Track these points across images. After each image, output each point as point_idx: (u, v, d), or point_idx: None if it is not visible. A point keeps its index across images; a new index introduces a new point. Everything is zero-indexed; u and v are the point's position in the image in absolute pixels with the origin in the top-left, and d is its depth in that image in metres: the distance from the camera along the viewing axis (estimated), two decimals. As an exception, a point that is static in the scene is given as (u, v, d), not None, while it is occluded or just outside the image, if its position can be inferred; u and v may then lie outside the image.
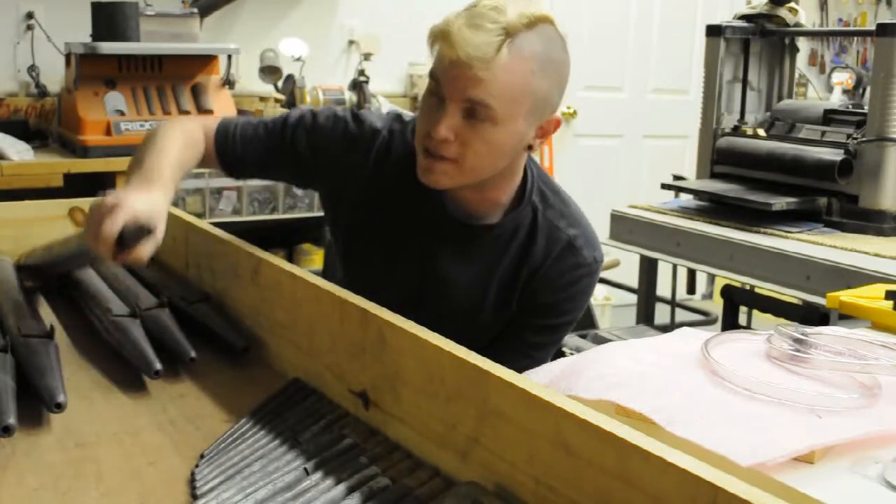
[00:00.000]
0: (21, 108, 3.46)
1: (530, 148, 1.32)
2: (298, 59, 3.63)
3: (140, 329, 1.23)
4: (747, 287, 2.59)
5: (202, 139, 1.40)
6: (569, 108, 4.76)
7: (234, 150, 1.41)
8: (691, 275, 3.01)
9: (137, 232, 1.13)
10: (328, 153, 1.41)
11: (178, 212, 1.64)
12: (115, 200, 1.14)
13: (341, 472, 0.88)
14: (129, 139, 3.10)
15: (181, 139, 1.34)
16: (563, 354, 1.70)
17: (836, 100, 3.59)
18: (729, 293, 2.48)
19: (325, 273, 1.66)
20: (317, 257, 3.50)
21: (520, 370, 1.40)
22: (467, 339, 1.48)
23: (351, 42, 4.06)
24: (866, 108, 2.57)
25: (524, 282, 1.43)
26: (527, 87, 1.23)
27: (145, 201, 1.16)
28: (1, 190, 2.78)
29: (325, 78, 3.86)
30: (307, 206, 3.38)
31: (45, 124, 3.45)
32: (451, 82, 1.23)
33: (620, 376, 1.06)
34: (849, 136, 2.55)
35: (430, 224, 1.40)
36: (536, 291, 1.43)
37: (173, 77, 3.26)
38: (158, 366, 1.14)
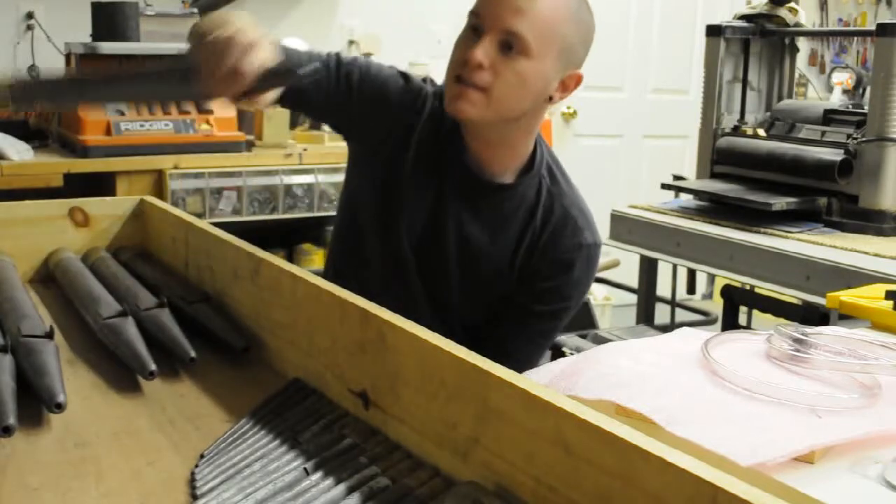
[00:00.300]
0: (21, 108, 3.46)
1: (550, 100, 1.39)
2: (298, 59, 3.63)
3: (134, 328, 1.22)
4: (747, 287, 2.59)
5: None
6: (569, 107, 4.77)
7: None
8: (691, 275, 3.01)
9: (282, 74, 1.04)
10: (376, 97, 1.44)
11: (178, 212, 1.64)
12: (251, 38, 1.10)
13: (341, 472, 0.88)
14: (130, 139, 3.10)
15: None
16: (563, 354, 1.70)
17: (836, 100, 3.59)
18: (729, 293, 2.48)
19: (326, 273, 1.66)
20: (317, 257, 3.50)
21: (528, 356, 1.42)
22: (467, 313, 1.52)
23: (351, 42, 4.06)
24: (866, 108, 2.57)
25: (525, 254, 1.46)
26: (559, 29, 1.32)
27: (273, 47, 1.14)
28: (1, 190, 2.78)
29: (325, 78, 3.86)
30: (307, 206, 3.38)
31: (45, 124, 3.45)
32: (492, 12, 1.31)
33: (620, 376, 1.06)
34: (849, 136, 2.55)
35: (449, 179, 1.45)
36: (538, 272, 1.46)
37: (173, 77, 3.26)
38: (153, 366, 1.13)
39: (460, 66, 1.32)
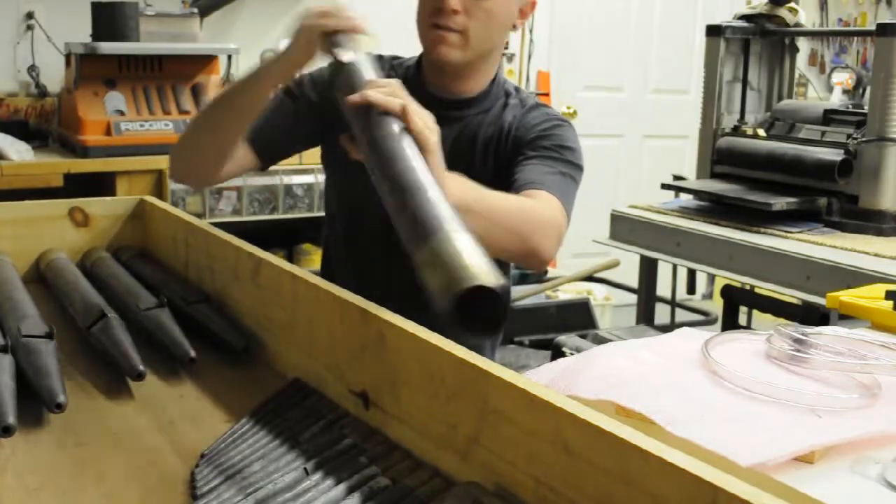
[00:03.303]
0: (21, 108, 3.46)
1: (514, 27, 1.51)
2: (298, 59, 3.63)
3: (122, 330, 1.21)
4: (747, 287, 2.59)
5: None
6: (569, 107, 4.77)
7: (262, 132, 1.48)
8: (691, 275, 3.01)
9: None
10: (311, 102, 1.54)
11: (178, 212, 1.64)
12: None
13: (341, 472, 0.88)
14: (129, 139, 3.10)
15: None
16: (563, 354, 1.70)
17: (836, 100, 3.59)
18: (729, 293, 2.48)
19: (324, 272, 1.66)
20: (317, 257, 3.49)
21: (555, 186, 1.42)
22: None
23: (351, 42, 4.05)
24: (866, 108, 2.57)
25: (497, 144, 1.52)
26: None
27: None
28: (1, 190, 2.78)
29: (325, 78, 3.86)
30: (307, 206, 3.38)
31: (45, 124, 3.46)
32: None
33: (620, 376, 1.06)
34: (849, 136, 2.55)
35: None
36: (521, 140, 1.50)
37: (173, 77, 3.27)
38: (141, 367, 1.12)
39: (435, 14, 1.41)
